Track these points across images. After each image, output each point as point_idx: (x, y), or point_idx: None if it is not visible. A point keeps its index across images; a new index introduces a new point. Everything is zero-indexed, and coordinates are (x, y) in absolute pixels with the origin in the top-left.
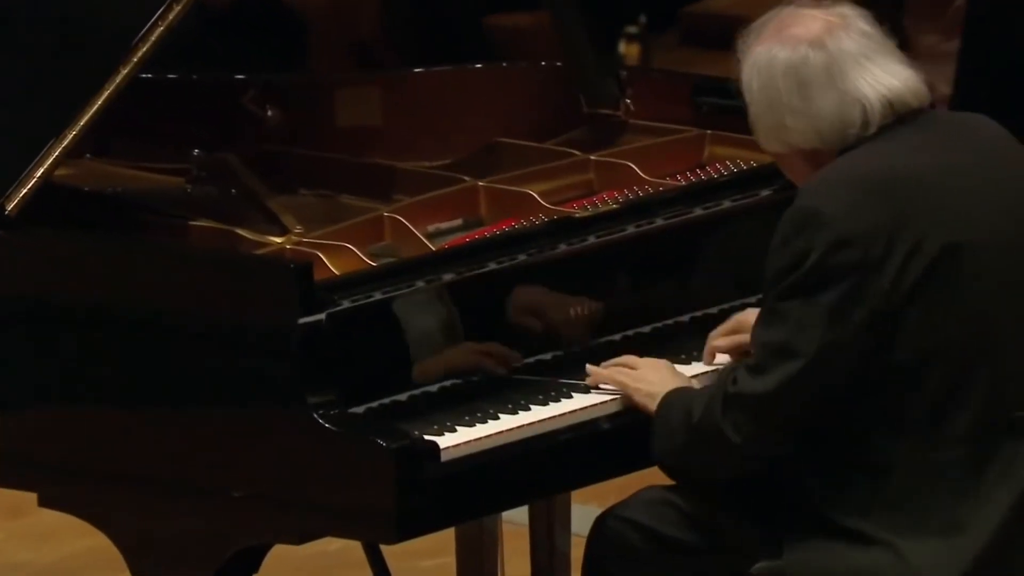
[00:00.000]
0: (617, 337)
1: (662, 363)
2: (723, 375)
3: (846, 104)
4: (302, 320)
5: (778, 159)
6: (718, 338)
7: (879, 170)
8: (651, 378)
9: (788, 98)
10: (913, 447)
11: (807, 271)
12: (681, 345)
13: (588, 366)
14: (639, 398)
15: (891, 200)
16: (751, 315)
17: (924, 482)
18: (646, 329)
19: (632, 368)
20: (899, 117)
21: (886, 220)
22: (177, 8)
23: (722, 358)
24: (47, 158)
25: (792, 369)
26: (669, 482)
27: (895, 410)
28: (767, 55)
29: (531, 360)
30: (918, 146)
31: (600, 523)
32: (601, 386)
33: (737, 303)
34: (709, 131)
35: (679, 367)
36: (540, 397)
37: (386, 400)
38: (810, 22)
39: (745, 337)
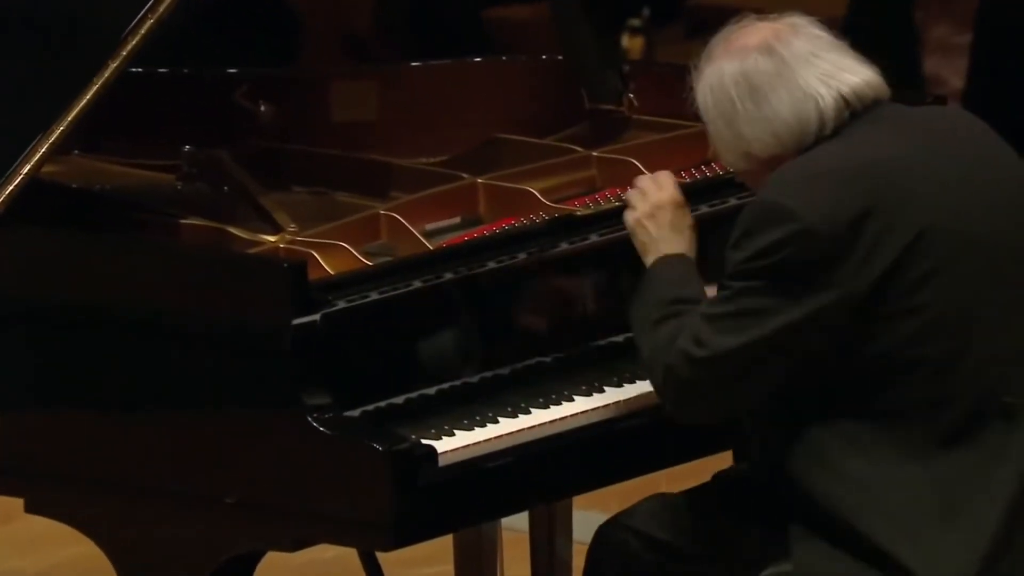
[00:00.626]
0: (620, 338)
1: (683, 220)
2: (685, 322)
3: (800, 102)
4: (296, 321)
5: (745, 177)
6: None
7: (843, 162)
8: (659, 233)
9: (742, 106)
10: (907, 440)
11: (773, 262)
12: None
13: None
14: (639, 237)
15: (857, 189)
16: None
17: (921, 476)
18: None
19: (653, 196)
20: (857, 112)
21: (852, 208)
22: (168, 1)
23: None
24: (34, 154)
25: (728, 345)
26: (674, 489)
27: (886, 403)
28: (717, 71)
29: (531, 362)
30: (884, 137)
31: (602, 532)
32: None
33: None
34: None
35: None
36: (540, 400)
37: (382, 403)
38: (757, 32)
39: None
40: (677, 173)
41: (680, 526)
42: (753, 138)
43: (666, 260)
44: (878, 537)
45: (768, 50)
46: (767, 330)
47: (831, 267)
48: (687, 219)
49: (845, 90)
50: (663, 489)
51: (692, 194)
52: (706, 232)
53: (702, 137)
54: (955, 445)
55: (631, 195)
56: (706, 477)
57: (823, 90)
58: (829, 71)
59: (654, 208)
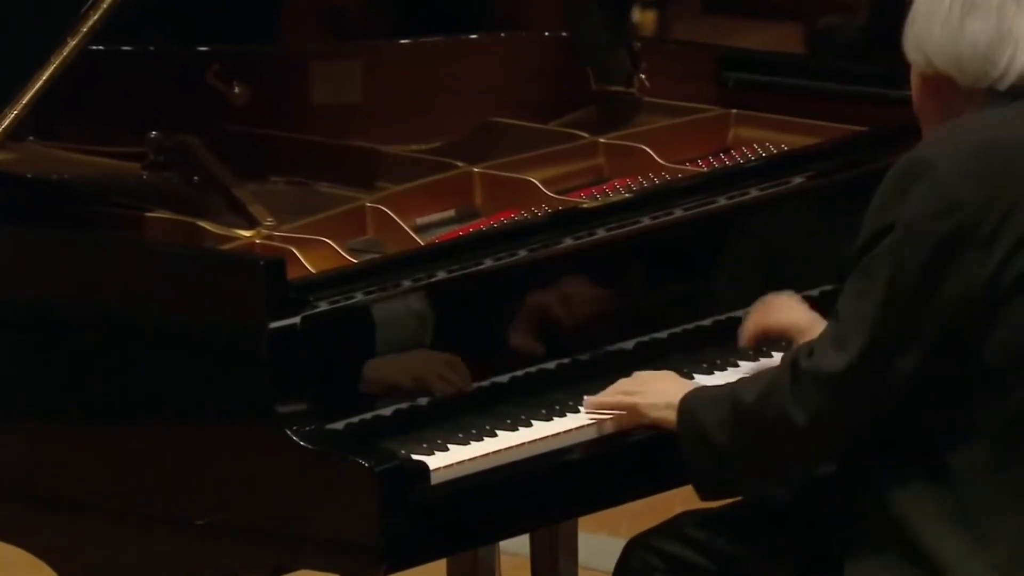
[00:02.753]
0: (630, 344)
1: (667, 372)
2: (784, 358)
3: (999, 40)
4: (273, 324)
5: (914, 81)
6: (750, 331)
7: (1006, 137)
8: (661, 388)
9: (950, 5)
10: (990, 461)
11: (903, 232)
12: (702, 353)
13: (586, 398)
14: (655, 413)
15: (1013, 172)
16: (784, 301)
17: (999, 500)
18: (663, 335)
19: (635, 387)
20: None
21: (1004, 193)
22: None
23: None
24: None
25: (865, 343)
26: (696, 504)
27: (973, 418)
28: None
29: (533, 369)
30: None
31: (629, 551)
32: (604, 414)
33: None
34: (735, 110)
35: (700, 377)
36: (543, 412)
37: (368, 415)
38: None
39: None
40: (693, 161)
41: (711, 547)
42: (940, 45)
43: (686, 400)
44: (942, 557)
45: None
46: (889, 323)
47: (964, 254)
48: (665, 372)
49: None
50: (677, 510)
51: (709, 185)
52: (726, 228)
53: (720, 122)
54: None
55: (620, 404)
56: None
57: None
58: None
59: (644, 389)
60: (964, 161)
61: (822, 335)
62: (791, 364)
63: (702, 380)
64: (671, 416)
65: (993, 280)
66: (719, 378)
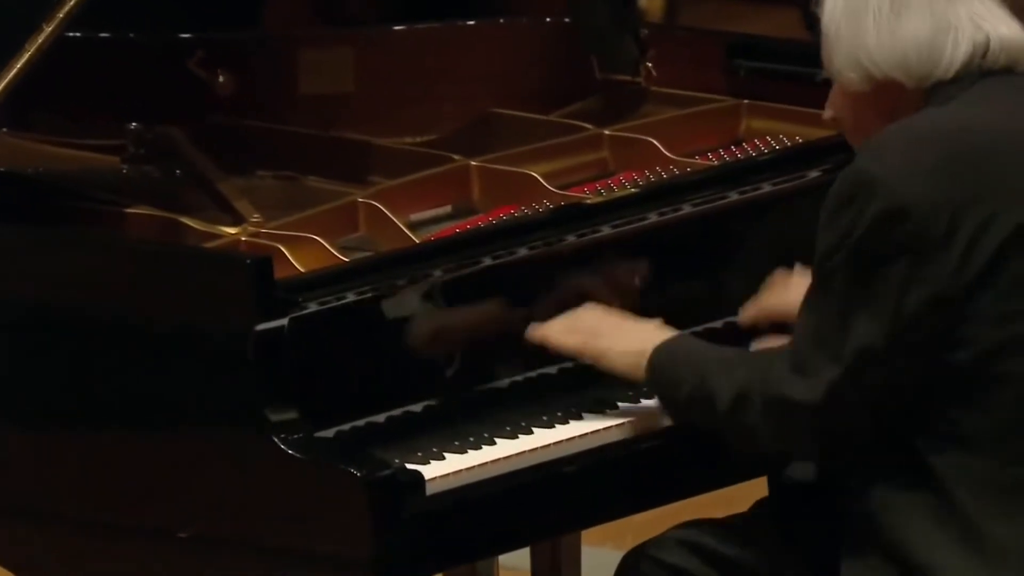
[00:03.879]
0: None
1: (623, 314)
2: (760, 360)
3: (938, 31)
4: (260, 326)
5: (846, 105)
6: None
7: (950, 131)
8: (630, 334)
9: (878, 9)
10: (983, 464)
11: (854, 248)
12: None
13: (533, 326)
14: (624, 361)
15: (961, 167)
16: (795, 280)
17: (996, 506)
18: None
19: (598, 327)
20: (990, 71)
21: (953, 190)
22: None
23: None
24: None
25: (838, 371)
26: (704, 515)
27: (960, 421)
28: None
29: (533, 374)
30: (1001, 111)
31: (627, 562)
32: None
33: None
34: (746, 100)
35: None
36: (544, 418)
37: (360, 422)
38: None
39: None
40: (703, 154)
41: (713, 559)
42: (877, 51)
43: (657, 355)
44: (940, 568)
45: None
46: (861, 345)
47: (923, 259)
48: (618, 312)
49: (986, 41)
50: (694, 518)
51: (720, 179)
52: (738, 225)
53: (731, 113)
54: None
55: (576, 347)
56: (736, 507)
57: (967, 28)
58: (982, 13)
59: (604, 329)
60: (906, 166)
61: (783, 356)
62: (757, 382)
63: None
64: (640, 362)
65: (957, 278)
66: None
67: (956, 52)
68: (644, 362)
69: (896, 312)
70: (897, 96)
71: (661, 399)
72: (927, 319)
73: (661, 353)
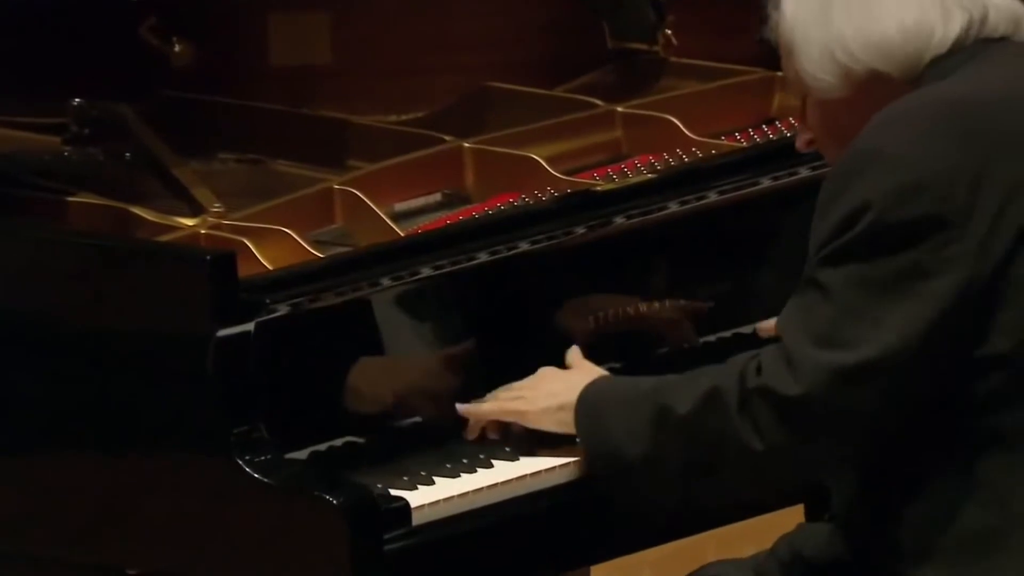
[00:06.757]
0: (654, 357)
1: (549, 369)
2: (729, 365)
3: (927, 6)
4: (222, 332)
5: (825, 120)
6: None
7: (956, 100)
8: (548, 388)
9: (847, 3)
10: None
11: (864, 230)
12: None
13: (459, 406)
14: (548, 418)
15: (973, 135)
16: None
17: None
18: (695, 343)
19: (518, 391)
20: (990, 39)
21: (969, 158)
22: None
23: None
24: None
25: (841, 363)
26: (723, 556)
27: (1001, 421)
28: None
29: None
30: (1009, 78)
31: None
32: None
33: None
34: (779, 72)
35: None
36: (546, 439)
37: (337, 442)
38: None
39: None
40: (730, 134)
41: None
42: (854, 39)
43: (584, 396)
44: None
45: None
46: (872, 339)
47: (945, 238)
48: (551, 368)
49: (988, 4)
50: (710, 557)
51: (750, 163)
52: (770, 215)
53: (762, 87)
54: None
55: (504, 411)
56: (762, 543)
57: None
58: None
59: (530, 392)
60: (914, 134)
61: (771, 347)
62: (739, 379)
63: None
64: (568, 419)
65: (984, 256)
66: None
67: (950, 25)
68: (569, 417)
69: (918, 301)
70: (883, 93)
71: (600, 446)
72: (955, 306)
73: (592, 398)
